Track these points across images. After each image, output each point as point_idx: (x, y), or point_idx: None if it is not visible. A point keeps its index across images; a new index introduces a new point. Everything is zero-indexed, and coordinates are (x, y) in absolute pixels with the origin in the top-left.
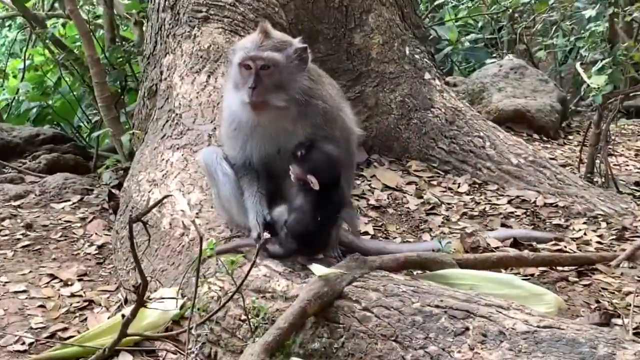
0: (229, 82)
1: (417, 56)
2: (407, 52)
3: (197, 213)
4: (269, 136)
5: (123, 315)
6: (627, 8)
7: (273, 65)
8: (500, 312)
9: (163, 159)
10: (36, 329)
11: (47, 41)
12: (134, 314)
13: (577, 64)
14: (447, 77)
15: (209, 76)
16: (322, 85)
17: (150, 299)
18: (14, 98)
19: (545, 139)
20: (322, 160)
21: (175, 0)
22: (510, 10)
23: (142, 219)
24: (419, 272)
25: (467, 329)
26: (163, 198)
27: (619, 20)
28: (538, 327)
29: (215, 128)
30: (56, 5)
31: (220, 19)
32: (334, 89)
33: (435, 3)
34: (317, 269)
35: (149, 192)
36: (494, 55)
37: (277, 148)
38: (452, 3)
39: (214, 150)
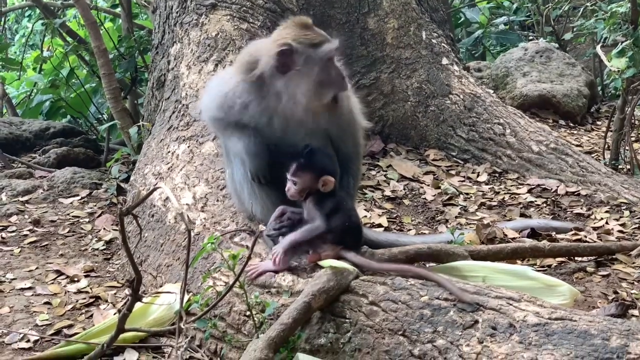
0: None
1: (434, 40)
2: (424, 36)
3: (202, 206)
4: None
5: (119, 311)
6: None
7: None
8: (510, 305)
9: (169, 152)
10: (41, 326)
11: (57, 31)
12: (129, 308)
13: (598, 47)
14: (478, 61)
15: (216, 65)
16: None
17: (158, 294)
18: (31, 91)
19: (571, 125)
20: (329, 158)
21: None
22: None
23: (136, 211)
24: (431, 264)
25: (477, 321)
26: (152, 191)
27: None
28: (549, 319)
29: None
30: None
31: (228, 5)
32: None
33: None
34: (326, 261)
35: (155, 185)
36: (530, 38)
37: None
38: None
39: None
